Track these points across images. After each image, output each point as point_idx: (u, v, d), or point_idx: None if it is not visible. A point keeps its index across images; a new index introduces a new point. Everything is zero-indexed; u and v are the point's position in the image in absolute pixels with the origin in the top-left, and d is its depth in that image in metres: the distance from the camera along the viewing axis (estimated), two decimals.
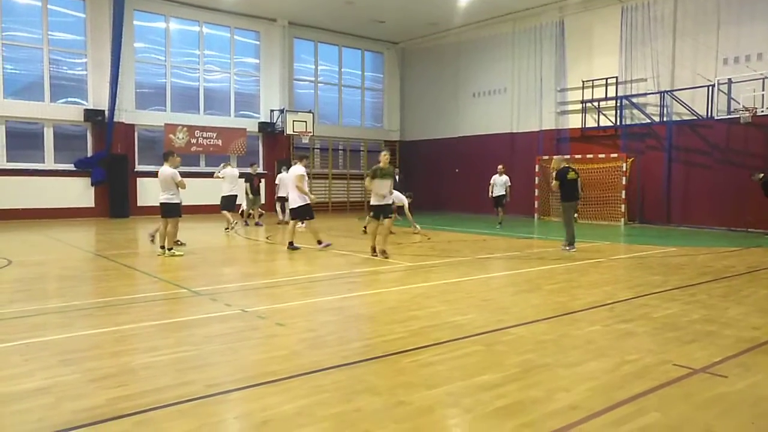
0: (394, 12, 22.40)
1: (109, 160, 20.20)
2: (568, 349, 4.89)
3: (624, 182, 18.39)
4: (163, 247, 10.64)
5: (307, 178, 11.75)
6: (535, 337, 5.24)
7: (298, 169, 11.56)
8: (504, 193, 17.07)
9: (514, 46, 22.73)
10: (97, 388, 3.90)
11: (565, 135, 21.01)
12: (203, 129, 22.31)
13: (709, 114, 16.75)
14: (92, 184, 20.18)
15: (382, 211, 10.49)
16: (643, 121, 18.69)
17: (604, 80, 19.58)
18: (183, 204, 10.94)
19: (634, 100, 18.85)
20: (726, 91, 16.27)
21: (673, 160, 18.10)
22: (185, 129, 21.84)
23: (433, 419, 3.49)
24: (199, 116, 22.54)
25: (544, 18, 21.55)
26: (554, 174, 12.14)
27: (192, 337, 5.24)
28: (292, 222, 12.03)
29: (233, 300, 6.78)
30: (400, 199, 14.04)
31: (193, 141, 22.04)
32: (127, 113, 20.73)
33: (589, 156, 19.25)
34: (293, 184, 11.47)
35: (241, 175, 17.05)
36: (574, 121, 20.77)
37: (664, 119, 18.15)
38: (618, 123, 19.35)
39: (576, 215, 13.37)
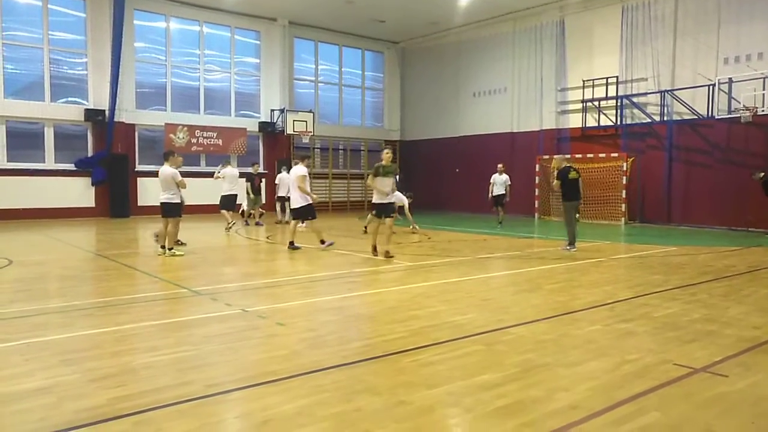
0: (394, 11, 22.40)
1: (110, 159, 20.21)
2: (568, 349, 4.89)
3: (624, 182, 18.38)
4: (163, 247, 10.65)
5: (308, 178, 11.75)
6: (536, 337, 5.24)
7: (299, 169, 11.55)
8: (504, 192, 17.06)
9: (514, 46, 22.72)
10: (97, 388, 3.91)
11: (566, 134, 21.01)
12: (203, 129, 22.31)
13: (710, 113, 16.75)
14: (93, 184, 20.18)
15: (384, 210, 10.45)
16: (644, 121, 18.68)
17: (605, 80, 19.58)
18: (183, 203, 10.95)
19: (635, 99, 18.84)
20: (726, 91, 16.26)
21: (674, 159, 18.09)
22: (185, 129, 21.84)
23: (433, 419, 3.49)
24: (199, 116, 22.54)
25: (544, 17, 21.54)
26: (555, 173, 12.13)
27: (192, 337, 5.24)
28: (293, 222, 12.03)
29: (233, 300, 6.78)
30: (401, 198, 14.04)
31: (194, 141, 22.04)
32: (128, 113, 20.73)
33: (589, 155, 19.24)
34: (295, 184, 11.47)
35: (242, 175, 17.07)
36: (575, 121, 20.77)
37: (665, 119, 18.14)
38: (618, 122, 19.34)
39: (578, 215, 13.35)
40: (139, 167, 21.02)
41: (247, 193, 17.19)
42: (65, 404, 3.62)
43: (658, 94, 18.28)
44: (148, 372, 4.24)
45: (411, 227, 14.83)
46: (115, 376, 4.15)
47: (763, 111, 15.45)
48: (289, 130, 23.23)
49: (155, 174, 11.52)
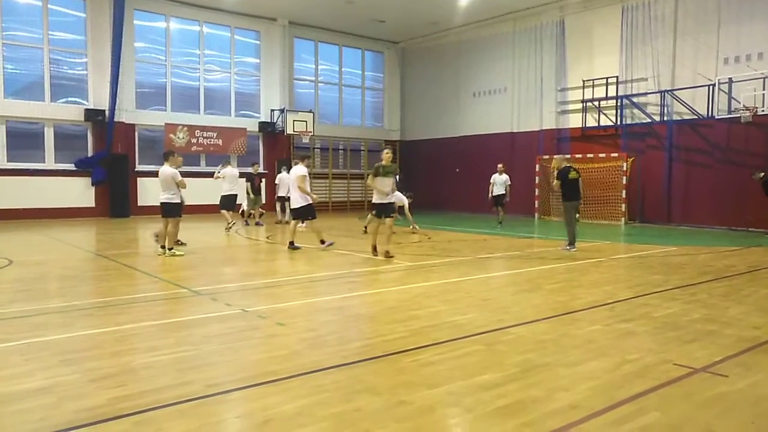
0: (394, 11, 22.40)
1: (110, 159, 20.21)
2: (568, 349, 4.89)
3: (624, 182, 18.38)
4: (163, 247, 10.64)
5: (308, 178, 11.75)
6: (536, 337, 5.24)
7: (300, 169, 11.55)
8: (504, 192, 17.06)
9: (514, 46, 22.72)
10: (97, 388, 3.91)
11: (566, 134, 21.01)
12: (203, 129, 22.31)
13: (710, 113, 16.76)
14: (93, 184, 20.18)
15: (384, 210, 10.45)
16: (644, 121, 18.69)
17: (605, 80, 19.58)
18: (183, 203, 10.95)
19: (635, 99, 18.84)
20: (726, 91, 16.26)
21: (674, 159, 18.09)
22: (185, 129, 21.84)
23: (433, 419, 3.49)
24: (199, 116, 22.54)
25: (544, 17, 21.54)
26: (556, 173, 12.14)
27: (192, 337, 5.24)
28: (293, 222, 12.03)
29: (233, 300, 6.78)
30: (401, 199, 14.04)
31: (194, 141, 22.04)
32: (128, 113, 20.73)
33: (589, 155, 19.24)
34: (295, 184, 11.47)
35: (242, 175, 17.07)
36: (575, 121, 20.77)
37: (665, 119, 18.14)
38: (618, 122, 19.34)
39: (578, 216, 13.36)
40: (139, 167, 21.02)
41: (247, 193, 17.19)
42: (65, 404, 3.62)
43: (658, 94, 18.28)
44: (148, 372, 4.24)
45: (411, 227, 14.83)
46: (115, 376, 4.15)
47: (763, 111, 15.45)
48: (289, 130, 23.23)
49: (155, 174, 11.52)
